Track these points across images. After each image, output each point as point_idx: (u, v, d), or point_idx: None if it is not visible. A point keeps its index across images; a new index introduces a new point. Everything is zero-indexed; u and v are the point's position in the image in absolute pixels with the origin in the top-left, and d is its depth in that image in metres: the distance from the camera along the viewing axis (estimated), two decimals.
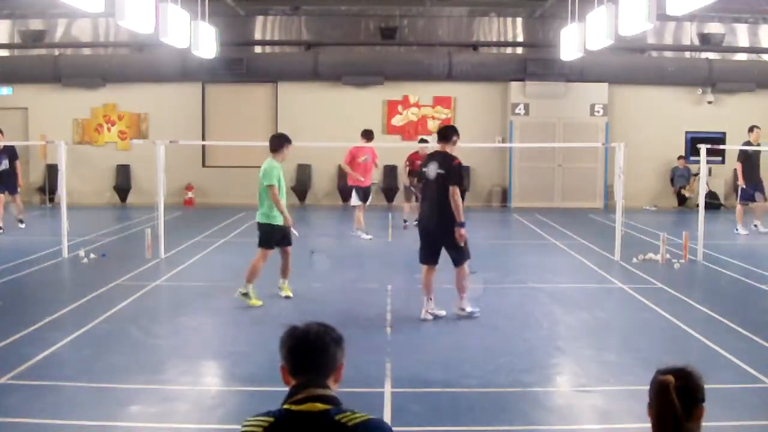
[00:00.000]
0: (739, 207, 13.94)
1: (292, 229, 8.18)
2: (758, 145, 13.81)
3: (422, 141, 14.56)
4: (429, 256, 7.51)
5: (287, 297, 8.23)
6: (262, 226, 8.09)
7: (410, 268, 10.67)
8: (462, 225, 7.22)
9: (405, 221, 14.20)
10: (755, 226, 13.89)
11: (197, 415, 5.03)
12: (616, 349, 6.62)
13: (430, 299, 7.48)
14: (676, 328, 7.20)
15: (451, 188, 7.17)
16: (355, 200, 13.17)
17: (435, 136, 8.32)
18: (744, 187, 13.80)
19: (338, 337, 2.36)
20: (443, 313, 7.50)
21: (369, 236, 12.93)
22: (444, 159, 7.33)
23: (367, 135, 13.29)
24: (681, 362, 2.41)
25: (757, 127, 13.90)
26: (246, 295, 7.92)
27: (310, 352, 2.29)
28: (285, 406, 2.21)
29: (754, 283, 9.38)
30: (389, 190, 18.81)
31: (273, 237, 8.06)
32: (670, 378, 2.27)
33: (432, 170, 7.34)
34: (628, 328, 7.43)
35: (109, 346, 6.45)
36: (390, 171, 18.74)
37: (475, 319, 7.46)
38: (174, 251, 11.21)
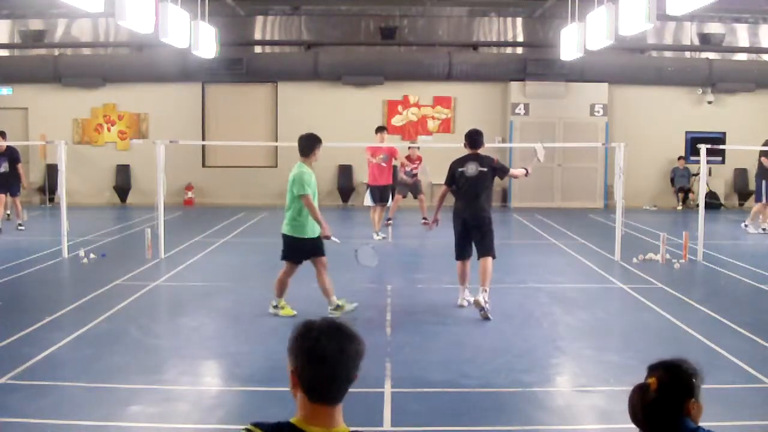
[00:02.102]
0: (759, 206, 13.86)
1: (333, 237, 7.43)
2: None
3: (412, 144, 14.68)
4: (467, 251, 7.89)
5: (348, 309, 7.52)
6: (288, 239, 7.41)
7: (410, 268, 10.70)
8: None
9: (389, 219, 14.18)
10: (764, 229, 13.81)
11: (197, 415, 5.02)
12: (616, 349, 6.61)
13: (467, 288, 7.95)
14: (676, 328, 7.21)
15: (508, 172, 8.30)
16: (368, 200, 13.05)
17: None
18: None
19: (362, 357, 2.08)
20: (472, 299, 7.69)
21: (380, 237, 12.86)
22: (482, 159, 7.87)
23: (379, 131, 13.12)
24: (678, 356, 2.43)
25: None
26: (276, 307, 7.50)
27: (337, 383, 2.02)
28: (294, 422, 2.01)
29: (754, 283, 9.38)
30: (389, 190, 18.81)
31: (302, 250, 7.39)
32: (654, 383, 2.32)
33: (472, 169, 7.78)
34: (628, 328, 7.43)
35: (109, 346, 6.45)
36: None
37: (475, 319, 7.45)
38: (174, 251, 11.21)
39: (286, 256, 7.45)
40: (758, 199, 13.97)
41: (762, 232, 13.83)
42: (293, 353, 2.01)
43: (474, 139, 7.97)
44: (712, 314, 7.65)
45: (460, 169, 7.85)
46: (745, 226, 13.89)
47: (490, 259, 7.69)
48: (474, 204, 7.77)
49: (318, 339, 1.99)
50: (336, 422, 2.02)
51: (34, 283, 9.21)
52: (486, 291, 7.47)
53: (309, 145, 7.46)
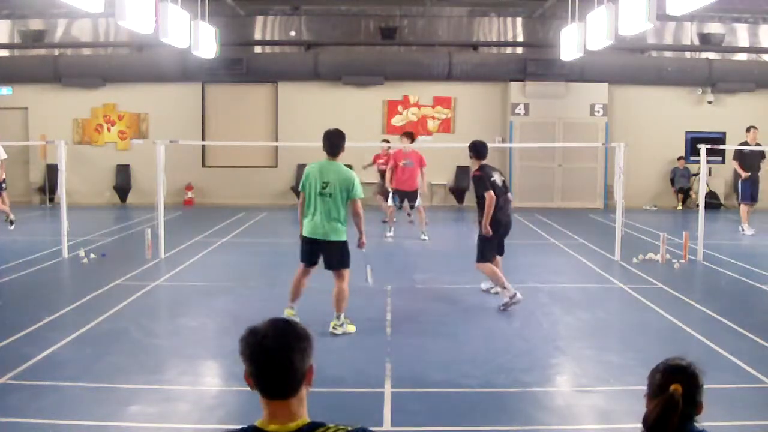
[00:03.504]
0: (742, 207, 13.99)
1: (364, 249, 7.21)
2: (758, 144, 13.84)
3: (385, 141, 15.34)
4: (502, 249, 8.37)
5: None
6: (342, 245, 6.88)
7: (410, 268, 10.69)
8: None
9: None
10: (743, 230, 13.89)
11: (197, 415, 5.02)
12: (616, 349, 6.61)
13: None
14: (676, 328, 7.21)
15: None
16: (389, 201, 13.33)
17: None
18: (745, 180, 13.88)
19: (302, 345, 2.10)
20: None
21: (390, 234, 13.16)
22: (498, 170, 8.26)
23: (409, 136, 13.40)
24: (681, 356, 2.42)
25: (755, 128, 13.92)
26: (342, 325, 6.91)
27: (276, 379, 2.07)
28: (257, 424, 2.08)
29: (754, 283, 9.38)
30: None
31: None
32: (679, 389, 2.27)
33: (500, 179, 8.08)
34: (628, 328, 7.43)
35: (109, 346, 6.45)
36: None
37: (475, 319, 7.45)
38: (174, 251, 11.20)
39: (346, 263, 6.93)
40: (742, 201, 14.08)
41: (743, 232, 13.90)
42: (242, 357, 2.11)
43: (482, 150, 8.13)
44: (712, 314, 7.65)
45: (492, 179, 7.96)
46: (742, 230, 13.93)
47: None
48: (510, 212, 8.16)
49: (261, 340, 2.08)
50: (296, 416, 2.09)
51: (34, 283, 9.20)
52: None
53: (340, 143, 6.91)
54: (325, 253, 6.90)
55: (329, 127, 7.14)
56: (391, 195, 13.24)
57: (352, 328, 6.99)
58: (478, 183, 7.91)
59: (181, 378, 5.72)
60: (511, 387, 5.54)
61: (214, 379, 5.97)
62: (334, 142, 6.90)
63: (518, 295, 7.79)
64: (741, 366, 5.90)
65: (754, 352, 6.32)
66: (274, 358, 2.06)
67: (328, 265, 6.97)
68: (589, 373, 5.94)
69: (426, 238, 12.89)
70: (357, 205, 6.83)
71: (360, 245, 7.11)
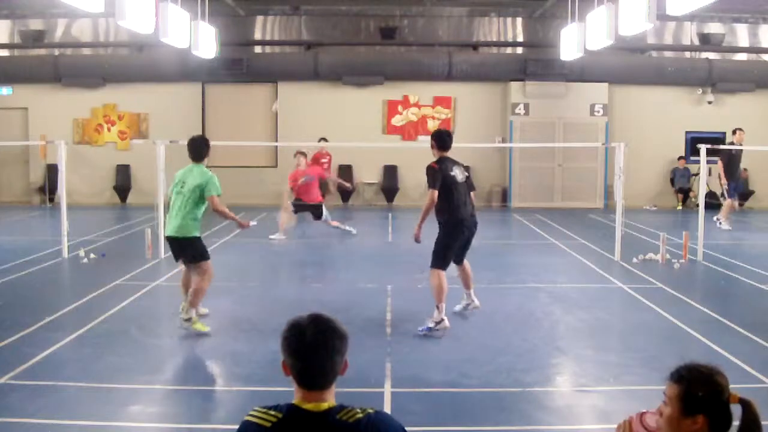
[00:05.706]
0: (728, 202, 14.19)
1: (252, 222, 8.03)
2: (740, 145, 14.17)
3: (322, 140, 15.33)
4: (463, 256, 7.48)
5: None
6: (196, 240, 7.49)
7: (410, 268, 10.68)
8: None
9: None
10: (719, 222, 14.09)
11: (197, 415, 5.02)
12: (616, 349, 6.61)
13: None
14: (676, 328, 7.21)
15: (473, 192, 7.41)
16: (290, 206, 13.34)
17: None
18: (727, 184, 14.31)
19: (343, 344, 2.25)
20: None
21: (276, 237, 13.17)
22: (461, 165, 7.33)
23: (303, 155, 13.42)
24: (690, 363, 2.33)
25: (740, 130, 14.26)
26: (190, 320, 6.97)
27: (318, 374, 2.21)
28: (294, 402, 2.23)
29: (754, 283, 9.38)
30: (389, 190, 18.83)
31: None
32: (739, 397, 2.13)
33: (460, 175, 7.17)
34: (628, 328, 7.43)
35: (109, 346, 6.45)
36: (390, 171, 18.80)
37: (475, 319, 7.46)
38: None
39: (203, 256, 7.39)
40: (730, 196, 14.33)
41: (719, 225, 14.12)
42: (282, 348, 2.24)
43: (447, 141, 7.21)
44: (712, 314, 7.64)
45: (451, 174, 7.08)
46: (718, 221, 14.17)
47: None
48: (470, 211, 7.26)
49: (302, 335, 2.21)
50: (327, 399, 2.24)
51: (34, 283, 9.21)
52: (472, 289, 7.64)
53: (203, 149, 7.61)
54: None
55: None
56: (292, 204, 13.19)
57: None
58: (428, 176, 7.03)
59: (181, 378, 5.73)
60: (511, 387, 5.53)
61: (214, 379, 5.97)
62: (202, 147, 7.53)
63: (446, 322, 6.94)
64: (741, 366, 5.89)
65: (754, 352, 6.32)
66: (316, 358, 2.20)
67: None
68: (589, 373, 5.94)
69: (353, 230, 13.28)
70: (213, 201, 7.33)
71: (243, 226, 7.74)
